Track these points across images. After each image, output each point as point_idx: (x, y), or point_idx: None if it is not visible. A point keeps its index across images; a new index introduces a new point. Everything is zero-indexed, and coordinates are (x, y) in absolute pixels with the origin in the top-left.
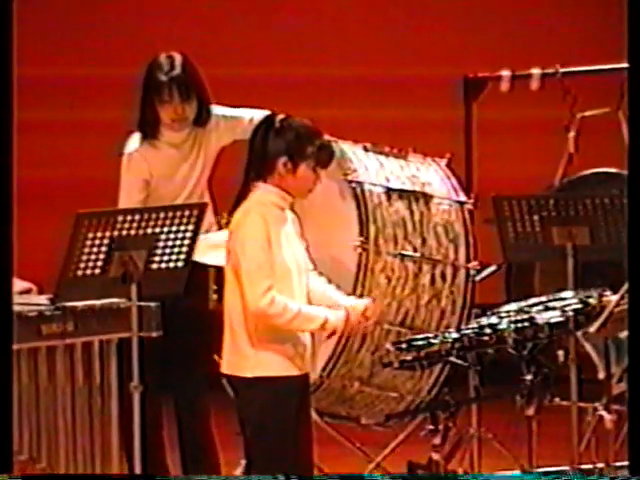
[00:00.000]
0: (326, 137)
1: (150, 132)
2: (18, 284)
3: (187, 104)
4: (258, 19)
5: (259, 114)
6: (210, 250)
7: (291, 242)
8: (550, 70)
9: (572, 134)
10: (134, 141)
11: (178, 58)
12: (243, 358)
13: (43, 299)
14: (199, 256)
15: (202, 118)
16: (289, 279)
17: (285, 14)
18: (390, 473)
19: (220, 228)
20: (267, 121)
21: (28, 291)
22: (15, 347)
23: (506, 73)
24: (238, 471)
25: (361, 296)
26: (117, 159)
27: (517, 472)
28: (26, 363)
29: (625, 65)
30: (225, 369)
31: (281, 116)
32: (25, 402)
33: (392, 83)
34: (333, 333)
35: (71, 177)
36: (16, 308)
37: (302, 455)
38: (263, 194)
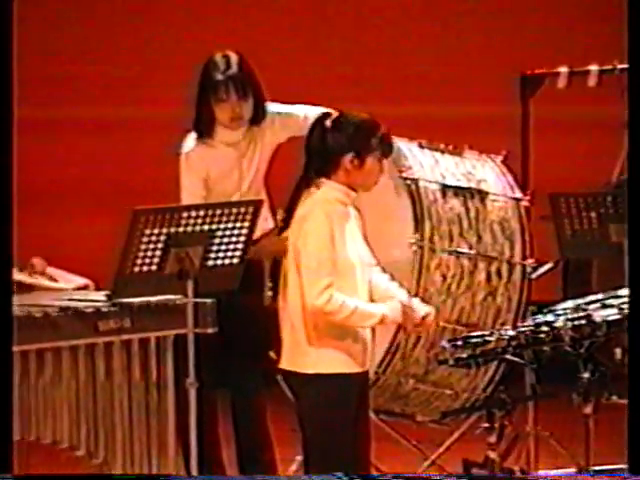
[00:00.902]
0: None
1: (206, 131)
2: (75, 280)
3: (244, 103)
4: (310, 17)
5: (313, 111)
6: None
7: (354, 238)
8: (608, 67)
9: None
10: (190, 141)
11: (234, 57)
12: (303, 354)
13: (100, 295)
14: None
15: (258, 116)
16: (353, 275)
17: (337, 11)
18: (445, 471)
19: (276, 225)
20: (325, 119)
21: (85, 287)
22: (73, 343)
23: (564, 70)
24: (293, 467)
25: (416, 294)
26: (171, 157)
27: (573, 470)
28: (83, 359)
29: None
30: (284, 365)
31: (337, 113)
32: (82, 397)
33: (449, 80)
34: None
35: (128, 174)
36: (73, 304)
37: (359, 452)
38: (327, 191)
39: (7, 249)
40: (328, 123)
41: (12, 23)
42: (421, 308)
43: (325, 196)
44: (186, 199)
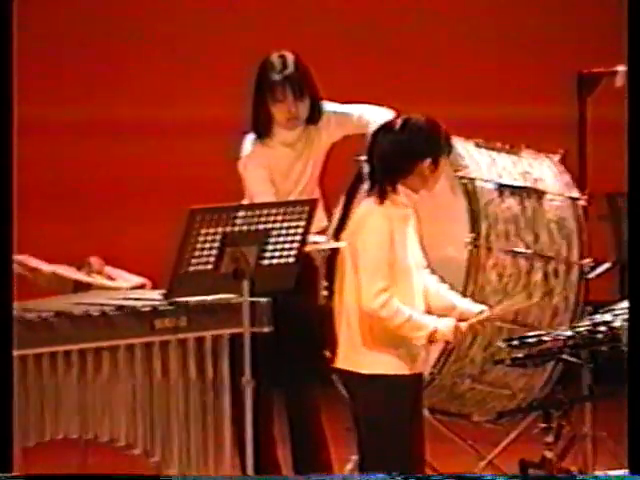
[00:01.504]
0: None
1: (264, 132)
2: (132, 279)
3: (300, 103)
4: (365, 16)
5: (369, 110)
6: None
7: (412, 241)
8: None
9: None
10: (249, 143)
11: (290, 57)
12: (359, 354)
13: (156, 294)
14: None
15: (314, 116)
16: (410, 279)
17: (394, 11)
18: (502, 471)
19: (329, 223)
20: (392, 125)
21: (142, 286)
22: (129, 341)
23: (621, 69)
24: (349, 467)
25: (472, 293)
26: (228, 157)
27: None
28: (140, 358)
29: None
30: (340, 365)
31: (402, 118)
32: (139, 396)
33: (506, 79)
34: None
35: (185, 175)
36: (130, 303)
37: (414, 452)
38: (395, 194)
39: (7, 249)
40: (397, 128)
41: (13, 22)
42: (474, 309)
43: (390, 199)
44: (258, 197)
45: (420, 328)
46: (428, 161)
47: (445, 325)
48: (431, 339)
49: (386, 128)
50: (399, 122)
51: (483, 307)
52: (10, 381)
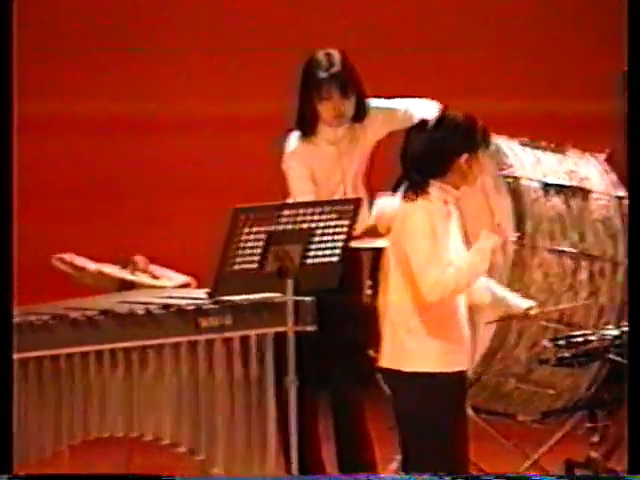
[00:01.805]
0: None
1: (309, 129)
2: (177, 278)
3: (346, 100)
4: (409, 13)
5: (414, 104)
6: None
7: (454, 237)
8: None
9: None
10: (293, 140)
11: (336, 55)
12: (403, 352)
13: (201, 293)
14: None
15: (360, 114)
16: None
17: (437, 7)
18: (547, 471)
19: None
20: (428, 122)
21: (186, 285)
22: (174, 340)
23: None
24: (393, 466)
25: (517, 292)
26: (271, 154)
27: None
28: (185, 356)
29: None
30: (384, 363)
31: (438, 114)
32: (184, 394)
33: (552, 76)
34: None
35: (228, 172)
36: (175, 302)
37: (458, 452)
38: (435, 190)
39: (7, 250)
40: (433, 125)
41: (12, 21)
42: (524, 303)
43: (431, 196)
44: (298, 196)
45: (473, 264)
46: (465, 157)
47: (484, 238)
48: (490, 255)
49: (419, 127)
50: (433, 120)
51: (531, 302)
52: (10, 382)
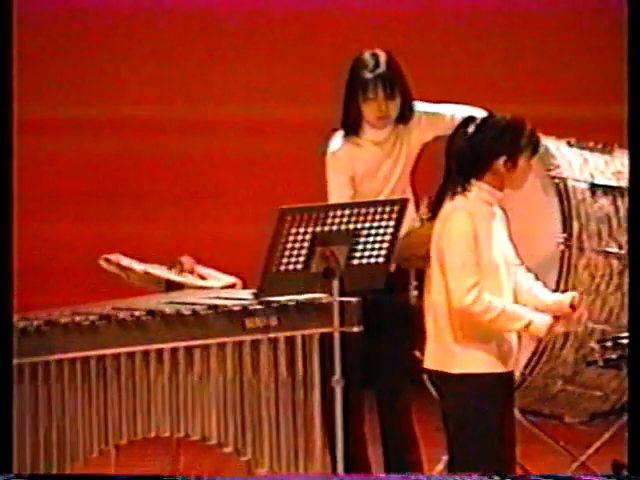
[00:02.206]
0: (529, 125)
1: (353, 130)
2: (223, 278)
3: (391, 101)
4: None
5: (460, 110)
6: None
7: (499, 238)
8: None
9: None
10: (337, 139)
11: (382, 55)
12: (448, 354)
13: (247, 294)
14: None
15: (405, 115)
16: (497, 275)
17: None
18: (594, 472)
19: (422, 224)
20: (472, 122)
21: (232, 286)
22: (220, 340)
23: None
24: (439, 467)
25: (564, 292)
26: (317, 155)
27: None
28: (231, 356)
29: None
30: (429, 365)
31: (483, 115)
32: (230, 395)
33: (600, 76)
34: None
35: (273, 173)
36: (221, 302)
37: (505, 453)
38: (476, 192)
39: (7, 251)
40: (476, 126)
41: (13, 21)
42: (566, 297)
43: (471, 197)
44: (333, 198)
45: (515, 319)
46: (502, 159)
47: (541, 319)
48: (526, 332)
49: (464, 126)
50: (476, 121)
51: (574, 293)
52: (10, 383)
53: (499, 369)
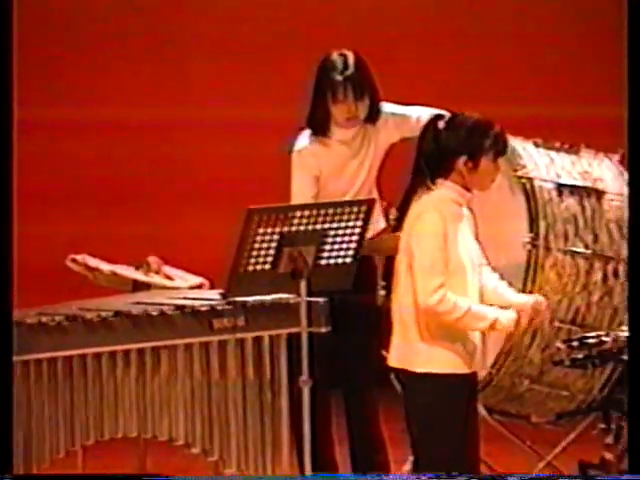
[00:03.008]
0: (497, 126)
1: (321, 130)
2: (191, 279)
3: (360, 102)
4: (424, 17)
5: (427, 112)
6: None
7: (466, 238)
8: None
9: None
10: (304, 138)
11: (351, 56)
12: (413, 353)
13: (215, 294)
14: None
15: (373, 116)
16: (464, 275)
17: (451, 12)
18: (561, 472)
19: (388, 225)
20: (437, 120)
21: (200, 286)
22: (188, 341)
23: None
24: (407, 467)
25: (531, 293)
26: (285, 156)
27: None
28: (198, 357)
29: None
30: (394, 363)
31: (450, 114)
32: (197, 395)
33: (565, 78)
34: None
35: (241, 173)
36: (188, 303)
37: (469, 453)
38: (443, 191)
39: (7, 250)
40: (441, 125)
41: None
42: (531, 298)
43: (440, 196)
44: (296, 197)
45: (480, 319)
46: (463, 159)
47: (506, 316)
48: (492, 330)
49: (430, 125)
50: (442, 119)
51: (538, 296)
52: (10, 383)
53: (463, 370)
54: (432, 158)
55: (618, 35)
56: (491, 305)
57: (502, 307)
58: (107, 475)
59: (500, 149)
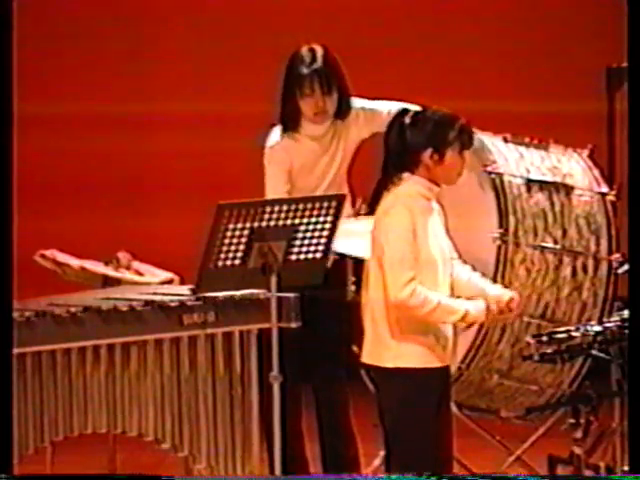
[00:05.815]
0: (462, 119)
1: (291, 125)
2: (160, 274)
3: (328, 97)
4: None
5: (397, 107)
6: (345, 238)
7: (437, 233)
8: None
9: None
10: (275, 134)
11: (319, 51)
12: (384, 348)
13: (185, 289)
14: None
15: (342, 111)
16: (434, 270)
17: (422, 7)
18: (530, 467)
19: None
20: (403, 115)
21: (170, 282)
22: (158, 336)
23: None
24: (377, 462)
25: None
26: (256, 152)
27: None
28: (168, 352)
29: None
30: (365, 359)
31: (415, 108)
32: (167, 391)
33: (534, 74)
34: (472, 324)
35: (211, 169)
36: (158, 298)
37: (441, 448)
38: (410, 185)
39: (7, 250)
40: (406, 119)
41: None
42: (505, 294)
43: (407, 190)
44: (270, 192)
45: (451, 312)
46: (429, 152)
47: (476, 307)
48: (464, 322)
49: (396, 119)
50: (407, 114)
51: (513, 293)
52: (10, 380)
53: (434, 364)
54: (398, 153)
55: (588, 28)
56: (469, 298)
57: (478, 297)
58: (107, 475)
59: (465, 142)
